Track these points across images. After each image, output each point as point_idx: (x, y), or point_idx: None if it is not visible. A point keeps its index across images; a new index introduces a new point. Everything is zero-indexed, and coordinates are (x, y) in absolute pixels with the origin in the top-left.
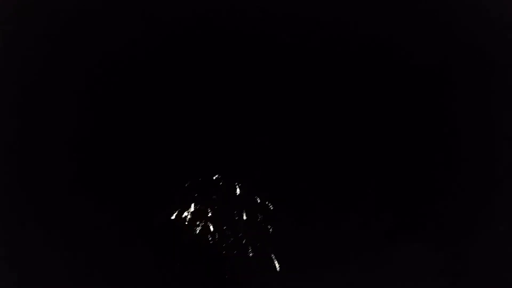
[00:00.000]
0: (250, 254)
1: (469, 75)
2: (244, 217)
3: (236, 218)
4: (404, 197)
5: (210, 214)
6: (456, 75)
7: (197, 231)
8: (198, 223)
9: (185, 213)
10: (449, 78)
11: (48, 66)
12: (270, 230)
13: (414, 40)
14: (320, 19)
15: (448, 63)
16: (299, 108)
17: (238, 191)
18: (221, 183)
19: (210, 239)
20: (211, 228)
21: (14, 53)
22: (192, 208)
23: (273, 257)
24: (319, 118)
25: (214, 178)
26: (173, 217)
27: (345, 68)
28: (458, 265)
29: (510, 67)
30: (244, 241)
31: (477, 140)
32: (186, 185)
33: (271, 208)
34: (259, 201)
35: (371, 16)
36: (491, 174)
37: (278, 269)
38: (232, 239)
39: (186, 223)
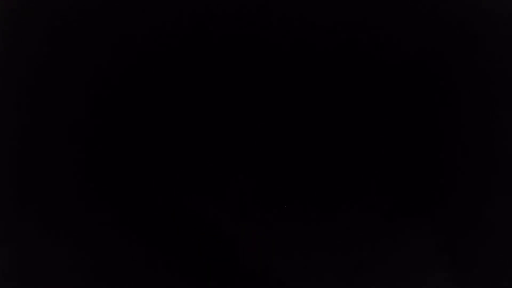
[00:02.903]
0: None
1: (467, 70)
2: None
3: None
4: (406, 191)
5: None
6: (455, 70)
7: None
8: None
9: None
10: (448, 73)
11: (49, 66)
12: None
13: (410, 36)
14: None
15: (445, 58)
16: (300, 105)
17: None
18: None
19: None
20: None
21: (15, 54)
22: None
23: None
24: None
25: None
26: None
27: (342, 66)
28: (464, 258)
29: (509, 61)
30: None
31: (477, 134)
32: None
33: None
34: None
35: (366, 13)
36: (493, 166)
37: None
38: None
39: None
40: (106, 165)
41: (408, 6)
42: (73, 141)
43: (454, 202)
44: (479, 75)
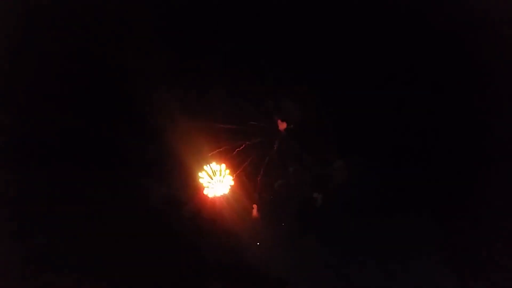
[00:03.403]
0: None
1: (467, 69)
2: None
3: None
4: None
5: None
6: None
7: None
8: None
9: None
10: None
11: (48, 66)
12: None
13: (410, 35)
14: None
15: (445, 57)
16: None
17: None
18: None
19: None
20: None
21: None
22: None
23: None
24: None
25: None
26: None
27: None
28: (465, 255)
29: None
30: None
31: (479, 133)
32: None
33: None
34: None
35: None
36: (494, 165)
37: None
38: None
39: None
40: (105, 165)
41: (408, 6)
42: (71, 140)
43: (455, 199)
44: (479, 75)
